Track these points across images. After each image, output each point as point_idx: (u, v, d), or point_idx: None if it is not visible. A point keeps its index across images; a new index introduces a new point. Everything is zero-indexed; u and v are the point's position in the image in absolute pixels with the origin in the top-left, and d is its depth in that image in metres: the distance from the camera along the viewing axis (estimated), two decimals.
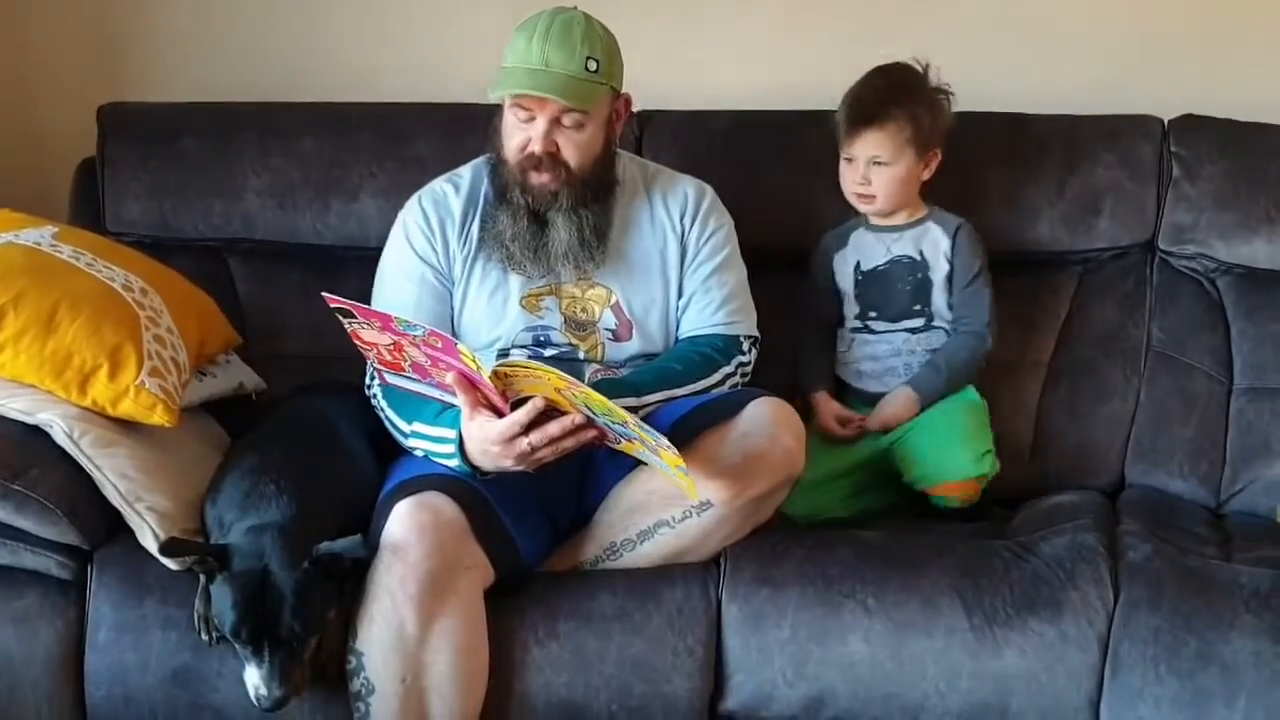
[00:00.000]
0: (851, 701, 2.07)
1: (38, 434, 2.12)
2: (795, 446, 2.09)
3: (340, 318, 2.01)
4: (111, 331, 2.18)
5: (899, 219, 2.50)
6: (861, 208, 2.50)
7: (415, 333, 1.96)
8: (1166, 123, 2.59)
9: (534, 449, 1.98)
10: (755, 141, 2.64)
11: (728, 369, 2.27)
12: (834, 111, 2.48)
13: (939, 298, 2.47)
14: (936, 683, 2.05)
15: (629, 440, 2.00)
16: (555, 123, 2.18)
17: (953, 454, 2.36)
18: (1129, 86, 2.71)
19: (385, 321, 1.98)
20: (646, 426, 1.93)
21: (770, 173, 2.63)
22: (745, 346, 2.31)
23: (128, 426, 2.17)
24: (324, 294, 1.99)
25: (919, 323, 2.48)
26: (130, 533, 2.09)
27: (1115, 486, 2.50)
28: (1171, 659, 2.02)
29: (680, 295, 2.31)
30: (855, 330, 2.51)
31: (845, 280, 2.52)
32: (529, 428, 1.97)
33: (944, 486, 2.37)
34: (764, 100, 2.69)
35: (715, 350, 2.28)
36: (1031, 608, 2.06)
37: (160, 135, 2.68)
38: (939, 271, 2.47)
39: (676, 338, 2.33)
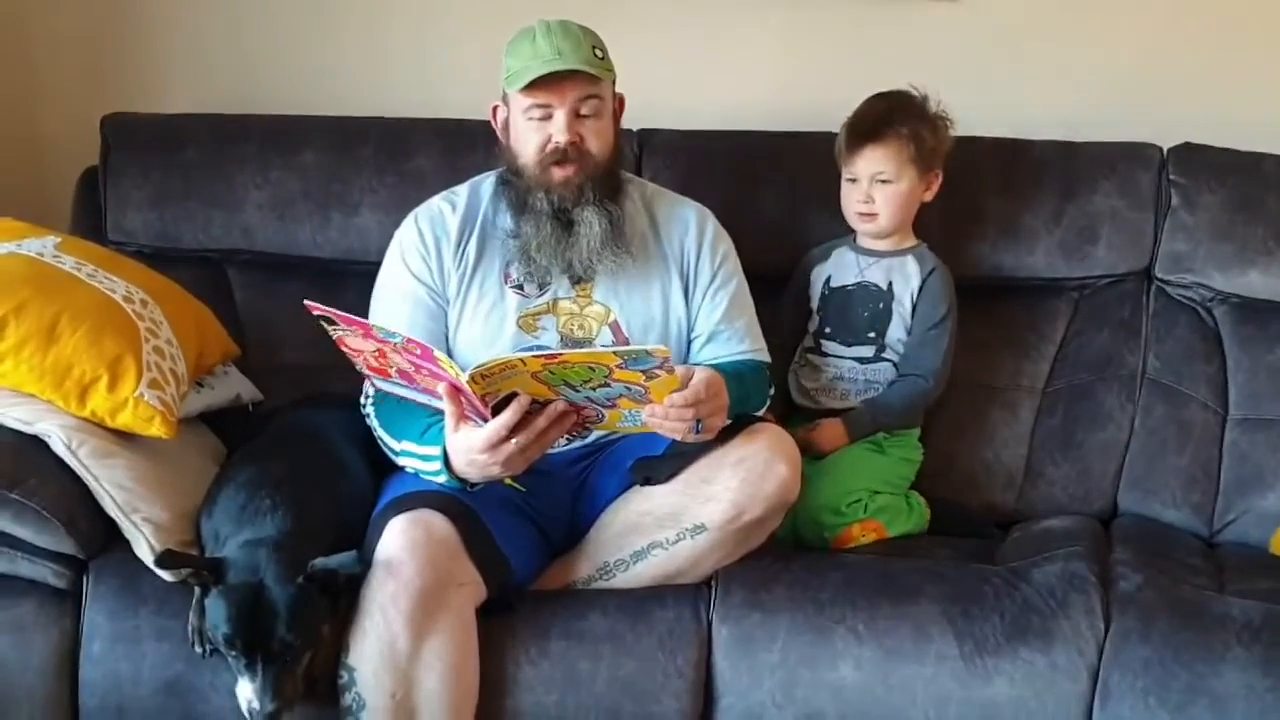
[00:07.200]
0: None
1: (36, 444, 2.13)
2: (791, 475, 2.10)
3: (324, 325, 2.01)
4: (112, 343, 2.19)
5: (885, 244, 2.50)
6: (863, 227, 2.49)
7: (394, 340, 1.98)
8: (1165, 151, 2.59)
9: (522, 449, 1.98)
10: (754, 162, 2.65)
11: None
12: (833, 134, 2.48)
13: (895, 331, 2.46)
14: (926, 710, 2.06)
15: (611, 408, 1.97)
16: (574, 114, 2.19)
17: (817, 514, 2.34)
18: (1128, 114, 2.71)
19: (365, 329, 1.99)
20: (630, 348, 1.88)
21: (769, 193, 2.63)
22: (769, 376, 2.32)
23: (126, 437, 2.18)
24: (305, 301, 2.00)
25: (869, 351, 2.47)
26: (126, 543, 2.10)
27: (1108, 514, 2.50)
28: (1161, 691, 2.02)
29: (691, 325, 2.30)
30: (809, 350, 2.50)
31: (815, 293, 2.52)
32: (514, 430, 1.97)
33: (836, 540, 2.34)
34: (763, 121, 2.70)
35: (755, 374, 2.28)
36: (1022, 636, 2.07)
37: (162, 146, 2.69)
38: (902, 306, 2.46)
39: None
